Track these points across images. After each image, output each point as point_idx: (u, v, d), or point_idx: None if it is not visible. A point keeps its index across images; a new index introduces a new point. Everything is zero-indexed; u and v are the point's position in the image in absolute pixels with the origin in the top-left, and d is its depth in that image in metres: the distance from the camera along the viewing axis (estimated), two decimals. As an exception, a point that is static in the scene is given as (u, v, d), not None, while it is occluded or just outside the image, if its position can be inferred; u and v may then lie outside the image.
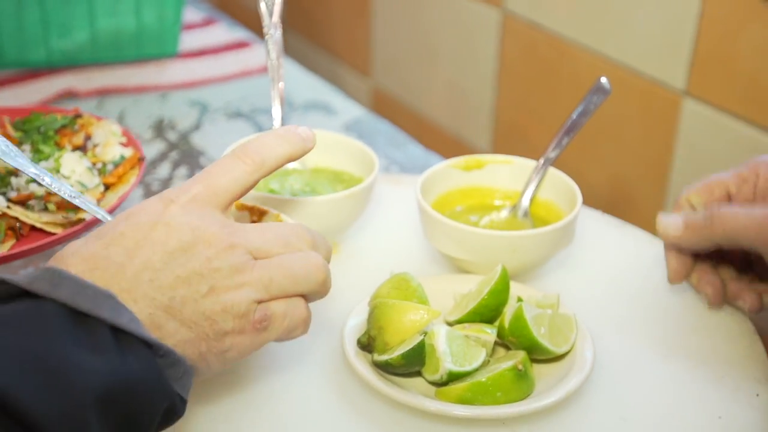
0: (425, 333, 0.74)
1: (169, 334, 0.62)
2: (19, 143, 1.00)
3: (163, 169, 1.20)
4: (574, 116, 0.92)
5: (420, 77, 1.71)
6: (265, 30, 0.96)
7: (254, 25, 1.87)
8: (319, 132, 1.00)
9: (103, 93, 1.38)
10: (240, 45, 1.54)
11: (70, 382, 0.55)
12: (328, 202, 0.87)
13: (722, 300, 0.85)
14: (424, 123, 1.70)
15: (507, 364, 0.73)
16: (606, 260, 0.92)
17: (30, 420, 0.53)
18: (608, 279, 0.89)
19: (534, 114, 1.48)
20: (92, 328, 0.57)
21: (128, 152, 1.00)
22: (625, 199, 1.34)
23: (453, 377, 0.72)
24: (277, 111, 0.97)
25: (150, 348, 0.59)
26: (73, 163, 0.95)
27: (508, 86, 1.53)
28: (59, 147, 1.00)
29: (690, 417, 0.73)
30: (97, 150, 1.00)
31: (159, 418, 0.60)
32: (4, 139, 0.82)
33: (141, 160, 0.99)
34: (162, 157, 1.23)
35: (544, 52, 1.43)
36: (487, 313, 0.78)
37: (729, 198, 0.83)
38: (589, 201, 1.15)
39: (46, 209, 0.91)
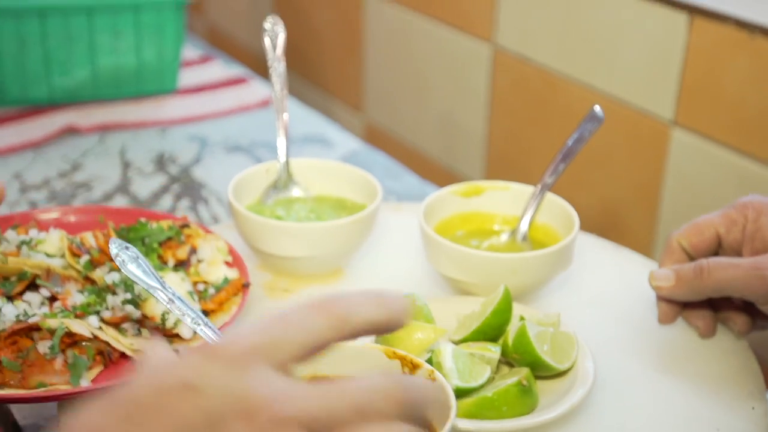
0: (432, 351, 0.77)
1: None
2: None
3: (166, 202, 1.23)
4: (569, 143, 0.95)
5: (412, 111, 1.74)
6: (269, 63, 0.99)
7: (249, 62, 1.91)
8: (321, 161, 1.04)
9: (104, 129, 1.41)
10: (237, 81, 1.58)
11: None
12: (334, 228, 0.90)
13: (713, 331, 0.88)
14: (417, 155, 1.73)
15: (512, 380, 0.75)
16: (603, 282, 0.95)
17: None
18: (606, 300, 0.92)
19: (525, 144, 1.51)
20: None
21: (232, 274, 0.90)
22: (617, 224, 1.37)
23: (459, 393, 0.75)
24: (282, 142, 1.00)
25: None
26: (175, 286, 0.85)
27: (500, 118, 1.56)
28: (162, 261, 0.92)
29: (689, 431, 0.76)
30: (201, 267, 0.91)
31: None
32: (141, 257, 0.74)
33: (246, 286, 0.89)
34: (164, 190, 1.26)
35: (534, 85, 1.47)
36: (491, 332, 0.80)
37: (719, 239, 0.86)
38: (582, 226, 1.18)
39: (139, 333, 0.82)
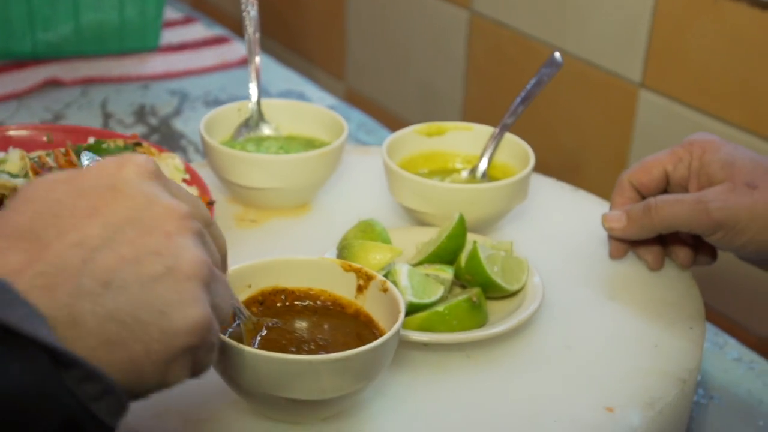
0: (388, 270, 0.80)
1: (90, 331, 0.48)
2: None
3: (145, 149, 1.26)
4: (528, 87, 0.99)
5: (392, 78, 1.78)
6: (242, 7, 1.03)
7: (230, 25, 1.94)
8: (293, 102, 1.07)
9: (87, 82, 1.44)
10: (219, 41, 1.61)
11: None
12: (301, 161, 0.94)
13: (661, 264, 0.92)
14: (396, 121, 1.77)
15: (463, 296, 0.79)
16: (558, 219, 0.99)
17: None
18: (560, 235, 0.96)
19: (501, 108, 1.55)
20: None
21: (193, 192, 0.92)
22: (585, 181, 1.41)
23: (414, 308, 0.79)
24: (254, 87, 1.04)
25: (50, 356, 0.46)
26: None
27: (477, 83, 1.60)
28: None
29: (629, 345, 0.81)
30: None
31: None
32: None
33: (211, 204, 0.91)
34: (144, 138, 1.29)
35: (509, 50, 1.51)
36: (446, 255, 0.84)
37: (666, 176, 0.90)
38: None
39: None
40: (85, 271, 0.49)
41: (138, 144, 0.97)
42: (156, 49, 1.55)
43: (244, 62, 1.54)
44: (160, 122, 1.35)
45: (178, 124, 1.35)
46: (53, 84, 1.42)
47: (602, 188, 1.40)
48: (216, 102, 1.41)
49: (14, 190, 0.85)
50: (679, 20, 1.25)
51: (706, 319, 0.86)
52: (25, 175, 0.87)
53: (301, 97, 1.46)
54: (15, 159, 0.88)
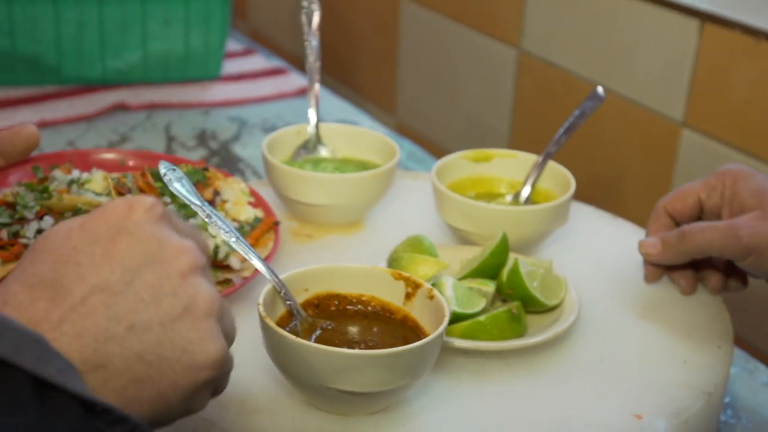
0: (435, 282, 0.86)
1: (119, 372, 0.51)
2: (160, 194, 0.95)
3: (206, 170, 1.33)
4: (572, 119, 1.05)
5: (441, 113, 1.84)
6: (305, 37, 1.10)
7: (287, 58, 2.02)
8: (349, 126, 1.14)
9: (152, 107, 1.52)
10: (277, 72, 1.69)
11: None
12: (355, 180, 1.01)
13: (694, 289, 0.97)
14: (444, 153, 1.82)
15: (504, 308, 0.85)
16: (597, 243, 1.05)
17: None
18: (597, 258, 1.02)
19: (546, 141, 1.60)
20: (11, 380, 0.47)
21: (260, 214, 0.98)
22: (622, 211, 1.45)
23: (456, 318, 0.84)
24: (312, 112, 1.11)
25: (83, 404, 0.48)
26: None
27: (523, 119, 1.66)
28: None
29: (659, 361, 0.86)
30: (227, 207, 0.97)
31: None
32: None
33: (277, 224, 0.97)
34: (204, 161, 1.37)
35: (555, 86, 1.56)
36: (488, 270, 0.90)
37: (700, 204, 0.95)
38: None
39: None
40: (110, 316, 0.52)
41: (206, 169, 1.02)
42: (217, 78, 1.63)
43: (301, 92, 1.61)
44: (220, 146, 1.42)
45: (237, 149, 1.42)
46: (120, 108, 1.51)
47: (641, 219, 1.44)
48: (273, 128, 1.48)
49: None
50: (722, 60, 1.30)
51: (738, 346, 0.91)
52: (108, 194, 0.92)
53: (354, 124, 1.53)
54: (98, 179, 0.94)
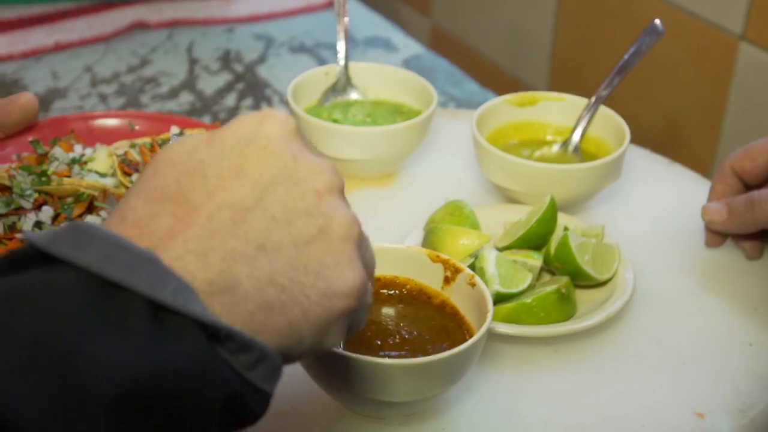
0: (476, 257, 0.79)
1: (248, 296, 0.47)
2: None
3: (230, 100, 1.25)
4: (626, 56, 0.95)
5: (479, 17, 1.74)
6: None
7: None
8: (381, 66, 1.05)
9: (173, 24, 1.43)
10: (305, -19, 1.58)
11: (79, 381, 0.41)
12: (388, 133, 0.92)
13: (760, 253, 0.89)
14: (481, 62, 1.73)
15: (551, 288, 0.77)
16: (652, 197, 0.96)
17: None
18: (653, 215, 0.93)
19: (590, 55, 1.50)
20: (123, 304, 0.43)
21: None
22: (677, 140, 1.37)
23: (500, 298, 0.77)
24: (341, 46, 1.02)
25: (204, 329, 0.44)
26: None
27: (566, 27, 1.55)
28: None
29: (722, 343, 0.78)
30: None
31: (221, 420, 0.46)
32: None
33: None
34: (228, 87, 1.29)
35: (602, -5, 1.46)
36: (535, 240, 0.82)
37: None
38: (642, 141, 1.18)
39: None
40: (238, 234, 0.47)
41: None
42: (241, -10, 1.53)
43: (330, 4, 1.51)
44: (245, 69, 1.34)
45: (263, 72, 1.33)
46: (139, 27, 1.42)
47: (693, 147, 1.35)
48: (301, 48, 1.39)
49: (104, 191, 0.84)
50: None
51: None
52: (113, 174, 0.86)
53: (386, 44, 1.44)
54: (102, 157, 0.87)
